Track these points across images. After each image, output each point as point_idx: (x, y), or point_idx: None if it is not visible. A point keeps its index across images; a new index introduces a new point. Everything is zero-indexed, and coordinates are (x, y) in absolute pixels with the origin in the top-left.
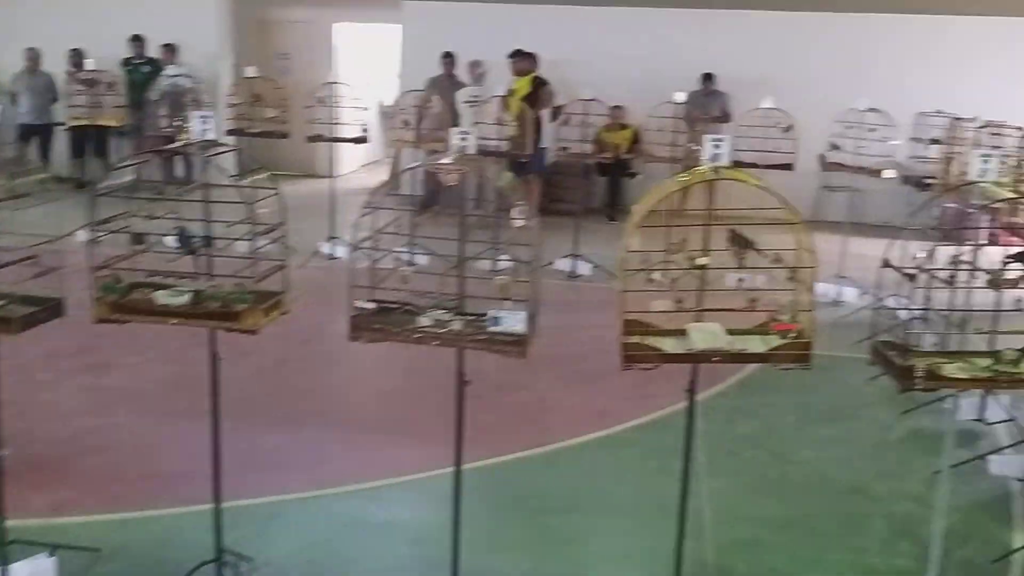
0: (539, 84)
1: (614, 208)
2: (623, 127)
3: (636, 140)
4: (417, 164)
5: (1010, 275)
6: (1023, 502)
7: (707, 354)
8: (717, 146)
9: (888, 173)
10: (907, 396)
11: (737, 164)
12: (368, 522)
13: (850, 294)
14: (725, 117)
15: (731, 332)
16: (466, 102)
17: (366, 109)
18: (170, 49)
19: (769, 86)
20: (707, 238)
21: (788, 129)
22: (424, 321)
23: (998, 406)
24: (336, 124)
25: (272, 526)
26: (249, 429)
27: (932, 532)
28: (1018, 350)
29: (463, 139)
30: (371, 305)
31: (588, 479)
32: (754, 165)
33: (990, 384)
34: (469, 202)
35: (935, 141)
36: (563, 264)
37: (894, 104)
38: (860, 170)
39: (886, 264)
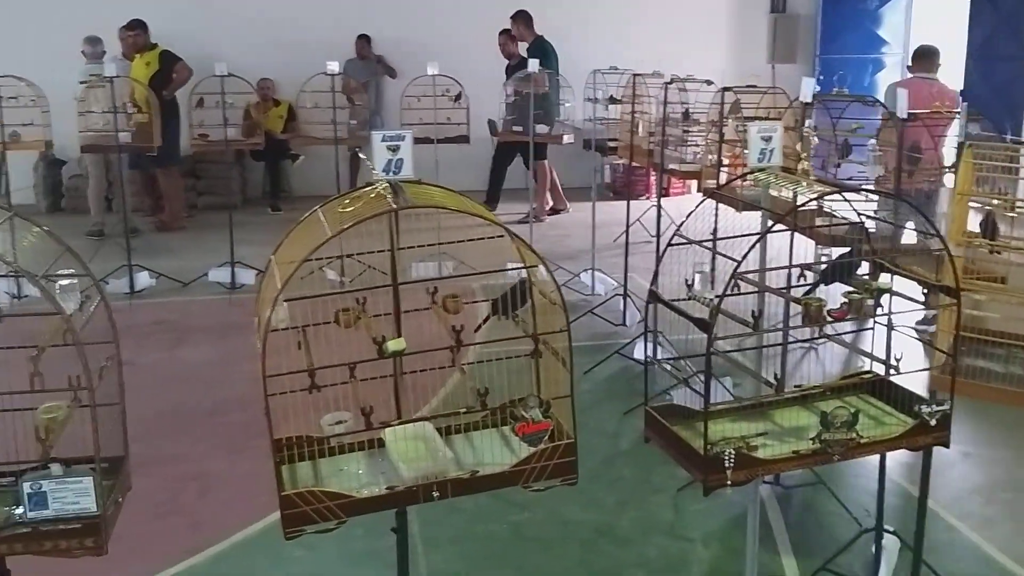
0: (170, 60)
1: (276, 196)
2: (276, 103)
3: (292, 117)
4: None
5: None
6: (779, 513)
7: (421, 490)
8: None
9: (568, 139)
10: (631, 392)
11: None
12: None
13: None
14: (391, 72)
15: (450, 431)
16: (83, 83)
17: None
18: None
19: (430, 50)
20: (398, 300)
21: (458, 98)
22: None
23: None
24: None
25: None
26: None
27: None
28: (851, 411)
29: None
30: None
31: None
32: (428, 140)
33: (820, 460)
34: None
35: (613, 100)
36: (219, 274)
37: (565, 63)
38: (538, 137)
39: (655, 298)
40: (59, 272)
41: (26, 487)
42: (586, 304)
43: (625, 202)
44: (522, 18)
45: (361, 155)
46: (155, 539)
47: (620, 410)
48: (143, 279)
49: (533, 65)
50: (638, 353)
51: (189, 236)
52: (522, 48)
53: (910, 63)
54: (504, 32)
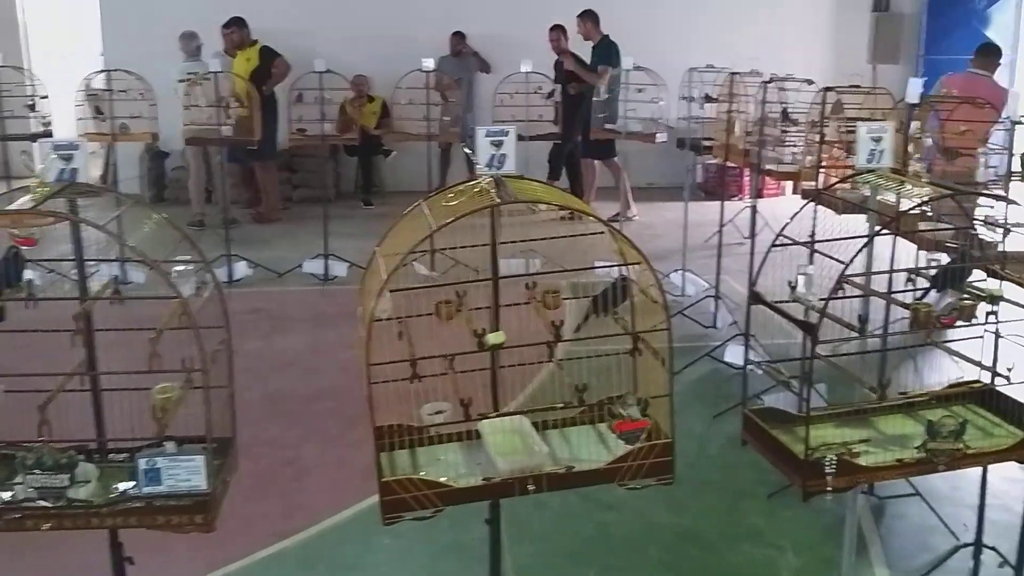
0: (269, 56)
1: (368, 191)
2: (370, 99)
3: (385, 113)
4: None
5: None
6: (873, 524)
7: (517, 483)
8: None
9: (661, 137)
10: (720, 395)
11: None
12: None
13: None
14: (486, 67)
15: (545, 426)
16: (181, 80)
17: (44, 97)
18: None
19: (523, 48)
20: (497, 295)
21: (551, 95)
22: None
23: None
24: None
25: None
26: None
27: None
28: (958, 420)
29: None
30: None
31: (364, 571)
32: (520, 137)
33: (924, 469)
34: None
35: (709, 99)
36: (313, 266)
37: (660, 61)
38: (631, 135)
39: (756, 300)
40: (176, 258)
41: (141, 463)
42: (676, 305)
43: (717, 202)
44: (590, 17)
45: (466, 150)
46: (250, 521)
47: (709, 413)
48: (241, 269)
49: (628, 63)
50: (729, 356)
51: (284, 228)
52: (586, 47)
53: (970, 58)
54: (556, 28)
